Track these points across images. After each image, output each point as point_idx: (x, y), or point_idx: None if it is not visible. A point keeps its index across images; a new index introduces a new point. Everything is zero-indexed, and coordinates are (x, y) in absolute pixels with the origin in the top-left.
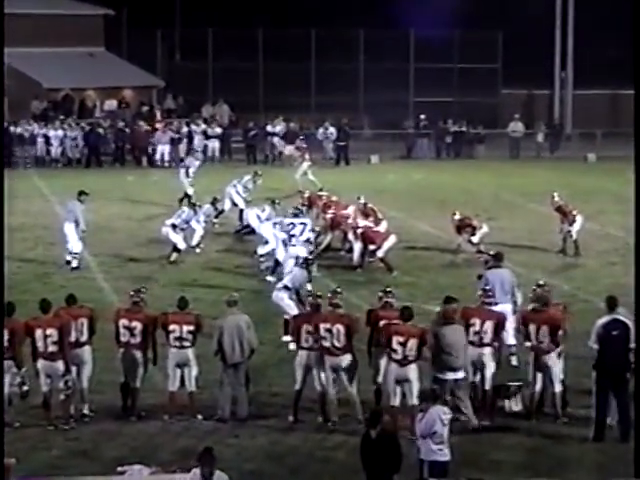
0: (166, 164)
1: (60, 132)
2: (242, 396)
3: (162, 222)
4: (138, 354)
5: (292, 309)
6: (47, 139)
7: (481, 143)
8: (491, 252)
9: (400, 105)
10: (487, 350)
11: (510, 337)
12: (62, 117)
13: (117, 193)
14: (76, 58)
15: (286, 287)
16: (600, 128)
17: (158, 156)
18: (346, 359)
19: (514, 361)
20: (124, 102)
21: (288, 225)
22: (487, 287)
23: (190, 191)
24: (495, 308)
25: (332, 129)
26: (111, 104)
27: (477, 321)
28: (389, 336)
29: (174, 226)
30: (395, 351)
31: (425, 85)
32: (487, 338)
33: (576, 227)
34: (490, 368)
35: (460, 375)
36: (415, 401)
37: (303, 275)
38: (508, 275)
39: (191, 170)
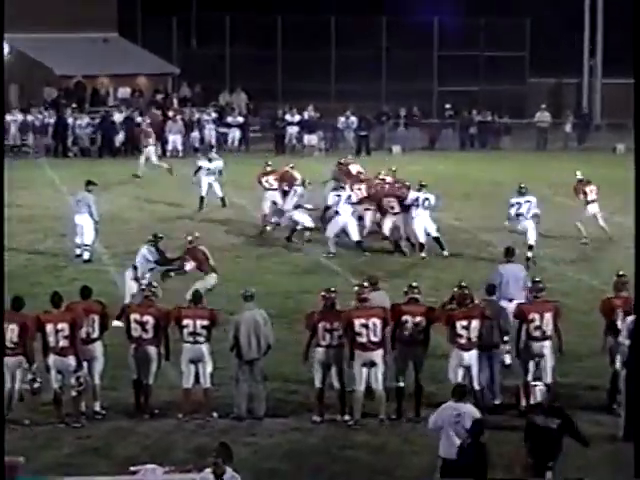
0: (180, 154)
1: (72, 120)
2: (259, 393)
3: (177, 214)
4: (151, 350)
5: (131, 289)
6: (59, 127)
7: (507, 134)
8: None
9: (424, 94)
10: (548, 343)
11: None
12: (74, 105)
13: (131, 184)
14: (89, 44)
15: (134, 267)
16: (630, 118)
17: (170, 146)
18: (379, 354)
19: (507, 359)
20: (138, 90)
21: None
22: (536, 282)
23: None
24: (510, 304)
25: (353, 118)
26: (125, 92)
27: (536, 316)
28: (453, 323)
29: (298, 206)
30: (460, 335)
31: (449, 74)
32: (549, 331)
33: (590, 211)
34: (551, 361)
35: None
36: (477, 386)
37: (147, 255)
38: (521, 270)
39: (204, 175)
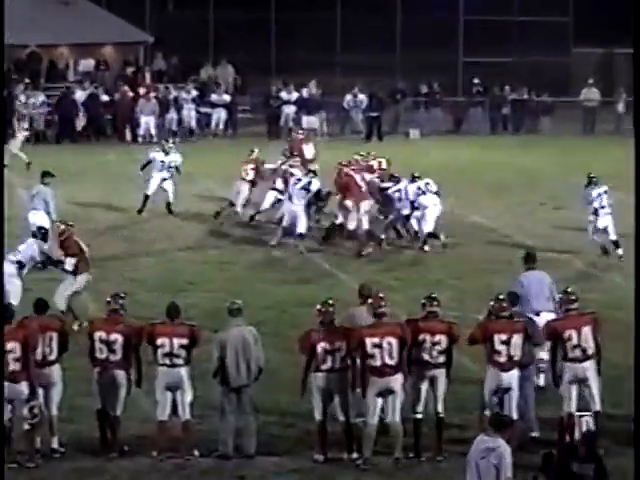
0: (154, 139)
1: (24, 98)
2: (249, 427)
3: (150, 212)
4: (119, 374)
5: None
6: (8, 107)
7: (547, 114)
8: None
9: (447, 67)
10: (590, 364)
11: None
12: (27, 80)
13: (95, 175)
14: (45, 7)
15: (20, 264)
16: None
17: (142, 130)
18: (398, 380)
19: (541, 381)
20: (103, 62)
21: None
22: (568, 292)
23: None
24: (537, 318)
25: (362, 96)
26: (87, 64)
27: (572, 333)
28: (490, 335)
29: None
30: (499, 352)
31: (478, 42)
32: (590, 349)
33: None
34: (596, 386)
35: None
36: (515, 414)
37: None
38: (546, 278)
39: (156, 169)
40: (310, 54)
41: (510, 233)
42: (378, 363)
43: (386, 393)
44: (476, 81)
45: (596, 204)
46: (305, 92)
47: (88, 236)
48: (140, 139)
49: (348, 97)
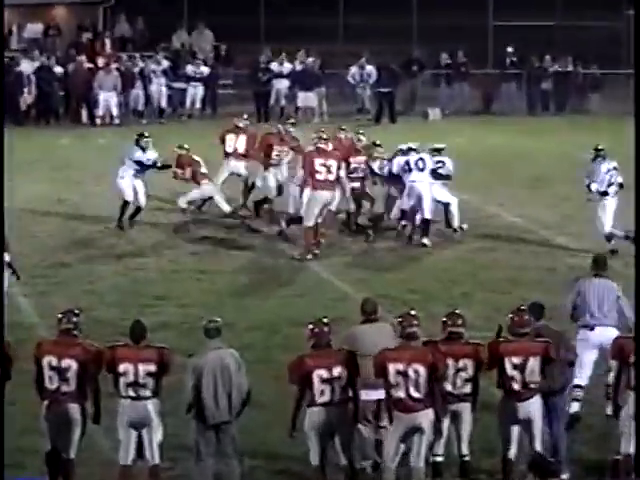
0: (116, 121)
1: None
2: (231, 472)
3: (109, 210)
4: (72, 408)
5: None
6: None
7: (596, 90)
8: None
9: (474, 32)
10: None
11: (584, 375)
12: None
13: (45, 164)
14: None
15: None
16: None
17: (101, 109)
18: (428, 416)
19: (575, 406)
20: (54, 27)
21: None
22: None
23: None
24: (592, 333)
25: (370, 68)
26: (35, 29)
27: None
28: (500, 358)
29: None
30: (512, 379)
31: (512, 2)
32: None
33: None
34: None
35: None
36: (540, 448)
37: None
38: (613, 288)
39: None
40: (307, 17)
41: (551, 236)
42: (402, 394)
43: (411, 432)
44: (510, 50)
45: (604, 183)
46: (298, 64)
47: (35, 238)
48: (99, 120)
49: (353, 69)
